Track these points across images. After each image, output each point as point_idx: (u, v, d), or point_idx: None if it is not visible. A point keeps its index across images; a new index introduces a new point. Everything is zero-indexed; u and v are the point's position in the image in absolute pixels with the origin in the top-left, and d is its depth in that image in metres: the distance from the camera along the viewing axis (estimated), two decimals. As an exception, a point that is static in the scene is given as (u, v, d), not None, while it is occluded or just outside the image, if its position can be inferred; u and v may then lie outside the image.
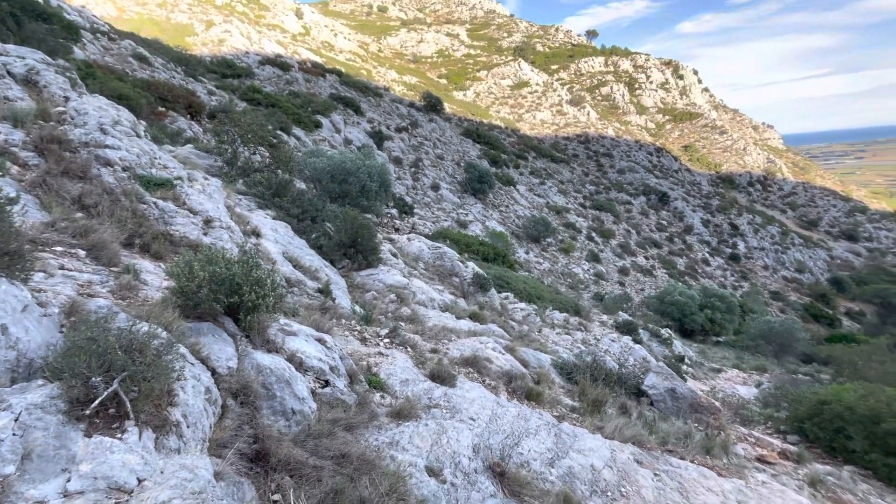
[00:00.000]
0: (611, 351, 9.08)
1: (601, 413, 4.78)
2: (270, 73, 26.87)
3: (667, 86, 70.52)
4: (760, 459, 5.33)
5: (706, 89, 73.12)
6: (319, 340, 3.33)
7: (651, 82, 69.94)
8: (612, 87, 66.67)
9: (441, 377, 3.84)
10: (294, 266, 5.40)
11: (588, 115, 58.26)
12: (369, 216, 11.86)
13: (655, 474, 3.54)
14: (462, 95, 55.91)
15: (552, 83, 61.49)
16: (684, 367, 11.41)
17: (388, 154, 24.69)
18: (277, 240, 5.71)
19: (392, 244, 10.47)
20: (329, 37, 47.48)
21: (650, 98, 67.44)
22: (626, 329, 12.47)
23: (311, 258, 5.96)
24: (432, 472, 2.53)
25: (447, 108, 41.43)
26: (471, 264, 11.55)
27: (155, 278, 3.32)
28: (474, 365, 4.92)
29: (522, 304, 11.68)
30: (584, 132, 53.89)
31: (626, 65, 72.45)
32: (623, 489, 3.01)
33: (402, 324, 5.69)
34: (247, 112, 12.87)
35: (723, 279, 32.53)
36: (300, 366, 2.87)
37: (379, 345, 4.21)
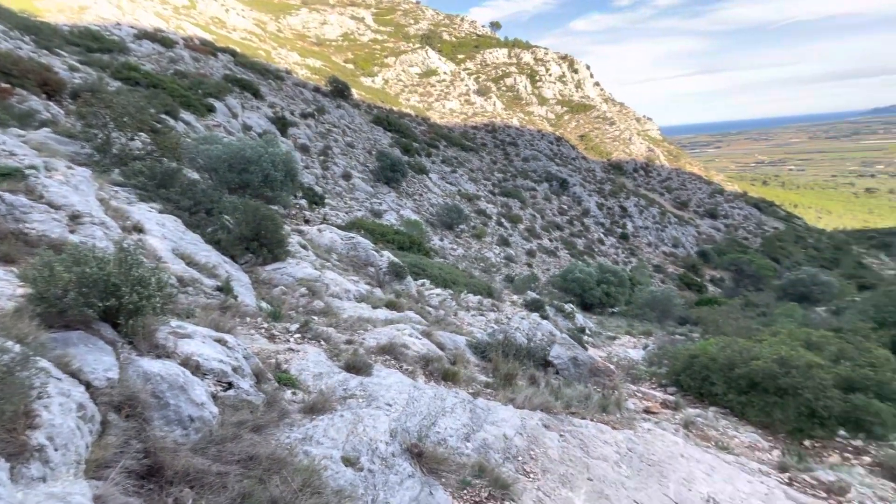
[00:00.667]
0: (521, 328, 9.63)
1: (513, 386, 5.08)
2: (150, 49, 23.74)
3: (564, 79, 75.40)
4: (647, 411, 6.07)
5: (597, 83, 79.56)
6: (219, 341, 3.08)
7: (550, 75, 74.24)
8: (515, 79, 69.55)
9: (357, 367, 3.78)
10: (188, 263, 4.90)
11: (494, 105, 60.31)
12: (275, 207, 11.16)
13: (561, 435, 3.85)
14: (371, 82, 54.53)
15: (459, 73, 62.52)
16: (585, 337, 12.52)
17: (294, 141, 23.34)
18: (166, 235, 5.13)
19: (302, 236, 9.99)
20: (219, 12, 43.18)
21: (550, 90, 71.62)
22: (534, 307, 13.33)
23: (208, 254, 5.46)
24: (349, 461, 2.50)
25: (356, 94, 40.16)
26: (386, 253, 11.46)
27: (6, 286, 2.81)
28: (391, 352, 4.92)
29: (438, 290, 11.90)
30: (492, 122, 55.78)
31: (527, 57, 75.96)
32: (532, 452, 3.24)
33: (315, 317, 5.48)
34: (121, 92, 11.25)
35: (615, 256, 36.10)
36: (197, 369, 2.63)
37: (289, 341, 4.02)
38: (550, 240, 33.56)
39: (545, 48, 78.79)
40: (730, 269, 35.49)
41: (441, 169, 35.87)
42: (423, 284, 11.95)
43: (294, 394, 3.04)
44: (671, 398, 6.57)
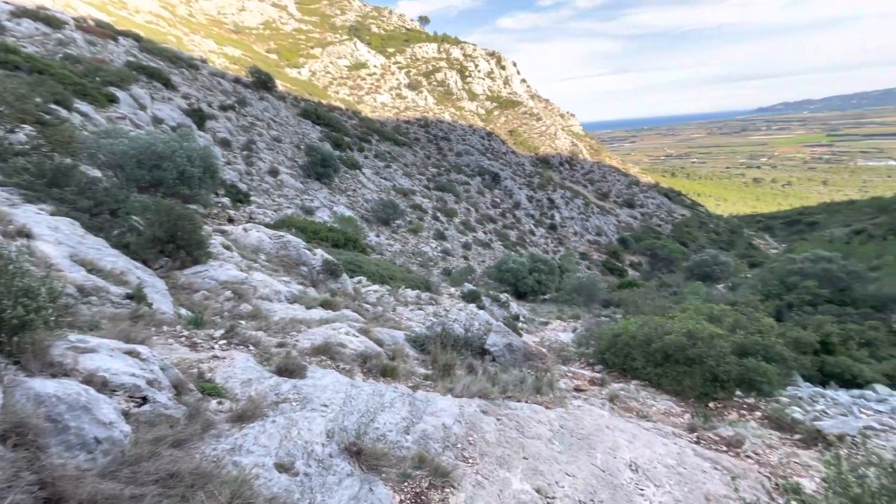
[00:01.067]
0: (458, 319, 9.78)
1: (451, 376, 5.16)
2: (32, 29, 20.77)
3: (492, 75, 77.16)
4: (577, 389, 6.46)
5: (524, 80, 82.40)
6: (131, 353, 2.80)
7: (479, 71, 75.60)
8: (445, 74, 69.98)
9: (289, 370, 3.63)
10: (89, 270, 4.39)
11: (426, 99, 60.30)
12: (194, 207, 10.34)
13: (498, 419, 3.97)
14: (297, 73, 52.10)
15: (390, 66, 61.68)
16: (520, 323, 13.02)
17: (213, 135, 21.72)
18: (60, 240, 4.55)
19: (225, 236, 9.34)
20: (118, -9, 38.82)
21: (479, 86, 72.98)
22: (471, 298, 13.61)
23: (115, 259, 4.92)
24: (283, 467, 2.40)
25: (281, 86, 38.17)
26: (319, 251, 11.07)
27: None
28: (327, 352, 4.78)
29: (376, 286, 11.74)
30: (424, 116, 55.76)
31: (456, 53, 76.71)
32: (471, 438, 3.32)
33: (243, 322, 5.17)
34: (-4, 78, 9.75)
35: (545, 246, 37.84)
36: (104, 386, 2.38)
37: (213, 348, 3.75)
38: (485, 232, 34.39)
39: (474, 44, 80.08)
40: (646, 254, 38.62)
41: (374, 164, 35.31)
42: (359, 282, 11.73)
43: (220, 403, 2.85)
44: (598, 375, 7.04)
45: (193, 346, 3.69)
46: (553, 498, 2.79)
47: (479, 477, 2.86)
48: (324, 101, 44.50)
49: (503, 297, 15.65)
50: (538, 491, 2.84)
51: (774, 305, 12.03)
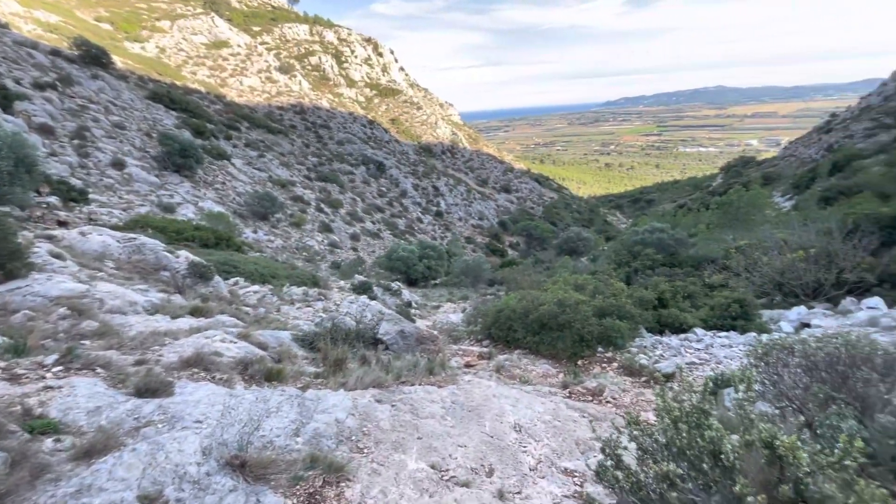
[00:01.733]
0: (350, 312, 9.57)
1: (343, 370, 5.04)
2: None
3: (370, 62, 75.51)
4: (467, 365, 6.81)
5: (402, 68, 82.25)
6: (-85, 399, 2.18)
7: (356, 57, 73.36)
8: (320, 58, 66.51)
9: (152, 389, 3.18)
10: None
11: (300, 84, 56.71)
12: (5, 209, 8.34)
13: (392, 405, 4.01)
14: (140, 49, 44.68)
15: (256, 47, 56.41)
16: (412, 310, 13.21)
17: (28, 120, 17.64)
18: None
19: (54, 243, 7.72)
20: None
21: (357, 72, 70.90)
22: (362, 289, 13.40)
23: None
24: (148, 499, 2.11)
25: (120, 63, 32.43)
26: (184, 253, 9.80)
27: None
28: (199, 364, 4.30)
29: (256, 287, 10.85)
30: (299, 102, 52.43)
31: (330, 36, 73.27)
32: (365, 428, 3.30)
33: (86, 342, 4.37)
34: None
35: (433, 233, 38.81)
36: None
37: (44, 377, 3.11)
38: (373, 222, 33.95)
39: (349, 28, 77.28)
40: (523, 235, 41.99)
41: (246, 153, 32.30)
42: (236, 283, 10.72)
43: (58, 441, 2.38)
44: (486, 350, 7.51)
45: (15, 379, 3.01)
46: (447, 470, 2.93)
47: (375, 465, 2.87)
48: (178, 83, 39.07)
49: (395, 285, 15.70)
50: (433, 467, 2.95)
51: (625, 271, 14.08)
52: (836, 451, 1.57)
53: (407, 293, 15.40)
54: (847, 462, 1.62)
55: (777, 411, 3.53)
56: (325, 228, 27.87)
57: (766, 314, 8.62)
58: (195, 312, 6.90)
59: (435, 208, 44.62)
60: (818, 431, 2.68)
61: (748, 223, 15.05)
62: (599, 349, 6.93)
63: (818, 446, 1.72)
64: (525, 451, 3.33)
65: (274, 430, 3.04)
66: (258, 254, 18.36)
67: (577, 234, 31.23)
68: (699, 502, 1.62)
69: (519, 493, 2.76)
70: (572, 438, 3.56)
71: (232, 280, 10.83)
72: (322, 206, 31.22)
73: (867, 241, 9.00)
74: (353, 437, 3.17)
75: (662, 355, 6.51)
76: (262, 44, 60.02)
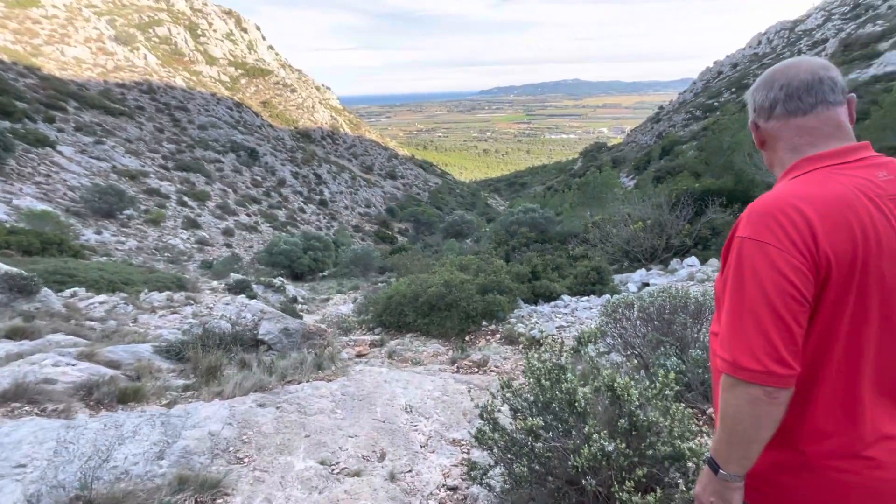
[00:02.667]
0: (227, 314, 8.70)
1: (219, 378, 4.57)
2: None
3: (233, 37, 67.96)
4: (359, 354, 6.70)
5: (271, 47, 75.62)
6: None
7: (215, 31, 65.35)
8: (170, 29, 57.76)
9: (-53, 437, 2.50)
10: None
11: (146, 59, 48.70)
12: None
13: (277, 407, 3.77)
14: None
15: (80, 10, 46.69)
16: (299, 305, 12.53)
17: None
18: None
19: None
20: None
21: (218, 48, 63.28)
22: (240, 289, 12.27)
23: None
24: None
25: None
26: (-8, 263, 7.83)
27: None
28: (23, 396, 3.52)
29: (102, 297, 9.21)
30: (146, 80, 45.07)
31: (181, 4, 64.00)
32: (245, 436, 3.05)
33: None
34: None
35: (318, 223, 37.04)
36: None
37: None
38: (248, 215, 31.10)
39: (202, -2, 68.20)
40: (410, 221, 42.41)
41: (78, 139, 26.91)
42: (74, 295, 8.97)
43: None
44: (377, 337, 7.47)
45: None
46: (337, 463, 2.86)
47: (258, 472, 2.67)
48: (-35, 49, 30.62)
49: (277, 281, 14.69)
50: (322, 462, 2.86)
51: (504, 250, 15.14)
52: (657, 384, 1.89)
53: (292, 288, 14.54)
54: (666, 392, 1.96)
55: (625, 358, 4.16)
56: (192, 224, 24.72)
57: (618, 278, 10.05)
58: (14, 335, 5.62)
59: (318, 197, 42.55)
60: (651, 370, 3.23)
61: (602, 201, 17.26)
62: (484, 323, 7.38)
63: (647, 383, 2.06)
64: (416, 430, 3.41)
65: (130, 457, 2.63)
66: (105, 258, 15.56)
67: (461, 218, 32.57)
68: (559, 447, 1.81)
69: (410, 471, 2.83)
70: (460, 410, 3.74)
71: (68, 292, 9.04)
72: (185, 199, 27.55)
73: (686, 212, 11.00)
74: (231, 448, 2.90)
75: (537, 322, 7.19)
76: (89, 7, 49.83)
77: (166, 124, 39.76)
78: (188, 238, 23.17)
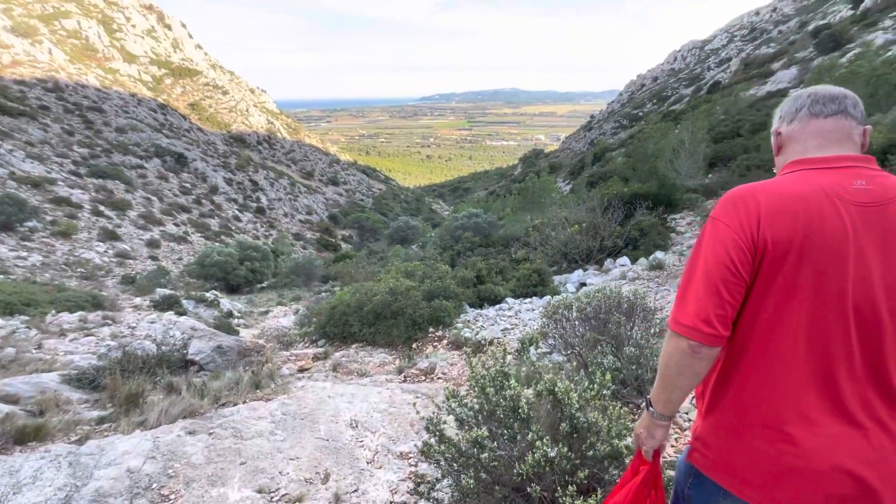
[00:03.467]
0: (152, 334, 7.99)
1: (141, 406, 4.15)
2: None
3: (155, 34, 63.15)
4: (301, 369, 6.41)
5: (199, 46, 71.08)
6: None
7: (134, 27, 60.39)
8: (79, 22, 52.55)
9: None
10: None
11: (51, 53, 43.91)
12: None
13: (210, 433, 3.49)
14: None
15: (-34, -4, 41.21)
16: (235, 320, 11.78)
17: None
18: None
19: None
20: None
21: (139, 46, 58.49)
22: (167, 305, 11.31)
23: None
24: None
25: None
26: None
27: None
28: None
29: (-2, 321, 8.07)
30: (52, 77, 40.61)
31: (93, -3, 58.50)
32: (171, 470, 2.77)
33: None
34: None
35: (255, 231, 35.21)
36: None
37: None
38: (177, 224, 28.89)
39: (118, -10, 62.76)
40: (354, 227, 41.55)
41: (-36, 143, 23.69)
42: (-39, 320, 7.79)
43: None
44: (321, 350, 7.18)
45: None
46: (277, 490, 2.68)
47: (186, 510, 2.44)
48: None
49: (210, 295, 13.73)
50: (260, 491, 2.67)
51: (449, 254, 15.23)
52: (595, 386, 1.95)
53: (227, 302, 13.65)
54: (604, 392, 2.03)
55: (566, 358, 4.30)
56: (110, 236, 22.49)
57: (558, 279, 10.45)
58: None
59: (255, 204, 40.47)
60: (590, 369, 3.36)
61: (541, 205, 17.92)
62: (431, 329, 7.34)
63: (587, 383, 2.12)
64: (362, 446, 3.29)
65: (28, 508, 2.29)
66: (1, 277, 13.72)
67: (406, 223, 32.40)
68: (504, 455, 1.81)
69: (356, 490, 2.72)
70: (407, 421, 3.67)
71: (-48, 317, 7.83)
72: (102, 208, 25.05)
73: (617, 215, 11.69)
74: (155, 485, 2.63)
75: (483, 326, 7.27)
76: (-24, -7, 44.07)
77: (77, 126, 36.00)
78: (106, 251, 21.05)
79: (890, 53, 19.15)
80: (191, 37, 69.85)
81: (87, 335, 8.66)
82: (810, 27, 37.79)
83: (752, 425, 1.02)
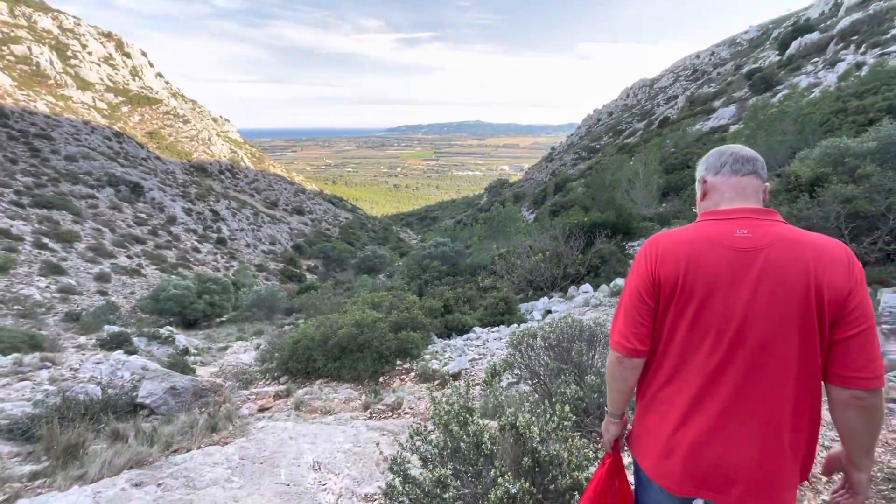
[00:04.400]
0: (97, 376, 7.44)
1: (81, 458, 3.83)
2: None
3: (113, 62, 61.64)
4: (262, 409, 6.12)
5: (160, 74, 69.81)
6: None
7: (91, 54, 58.81)
8: (30, 48, 50.64)
9: None
10: None
11: (-4, 79, 41.87)
12: None
13: (159, 485, 3.26)
14: None
15: None
16: (191, 358, 11.18)
17: None
18: None
19: None
20: None
21: (95, 73, 56.80)
22: (116, 343, 10.61)
23: None
24: None
25: None
26: None
27: None
28: None
29: (-83, 367, 7.30)
30: (-5, 103, 38.57)
31: (47, 23, 56.83)
32: (114, 529, 2.56)
33: None
34: None
35: (215, 263, 33.91)
36: None
37: None
38: (130, 256, 27.46)
39: (77, 17, 61.35)
40: (320, 257, 40.82)
41: None
42: None
43: None
44: (283, 387, 6.90)
45: None
46: (232, 544, 2.52)
47: (129, 573, 2.24)
48: None
49: (165, 331, 13.00)
50: (214, 546, 2.50)
51: (417, 284, 15.19)
52: (555, 418, 1.99)
53: (183, 339, 12.96)
54: (565, 423, 2.08)
55: (531, 388, 4.34)
56: (53, 270, 21.06)
57: (524, 306, 10.60)
58: None
59: (215, 235, 39.16)
60: (553, 399, 3.41)
61: (506, 234, 18.31)
62: (398, 362, 7.23)
63: (548, 415, 2.16)
64: (325, 489, 3.16)
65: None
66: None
67: (373, 253, 32.17)
68: (468, 493, 1.80)
69: (318, 538, 2.59)
70: (373, 461, 3.56)
71: None
72: (45, 240, 23.52)
73: (578, 243, 12.12)
74: (94, 548, 2.41)
75: (451, 357, 7.23)
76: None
77: (22, 154, 34.09)
78: (48, 286, 19.64)
79: (813, 95, 21.31)
80: (151, 65, 68.62)
81: (22, 380, 7.97)
82: (744, 70, 41.56)
83: (648, 413, 1.32)
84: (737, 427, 1.18)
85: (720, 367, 1.20)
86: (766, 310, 1.15)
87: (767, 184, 1.35)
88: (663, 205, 18.25)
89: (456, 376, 6.16)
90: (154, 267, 27.40)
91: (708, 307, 1.20)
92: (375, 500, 2.97)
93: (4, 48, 48.32)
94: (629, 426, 1.48)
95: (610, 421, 1.47)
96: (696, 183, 1.44)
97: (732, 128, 25.16)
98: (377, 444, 3.26)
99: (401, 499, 2.00)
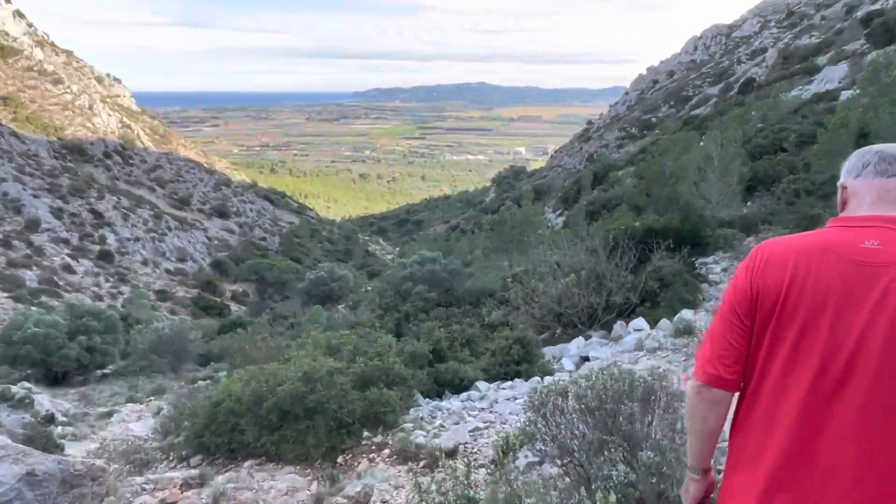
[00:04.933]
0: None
1: None
2: None
3: (-53, -3, 61.94)
4: (164, 503, 6.06)
5: (20, 13, 70.10)
6: None
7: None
8: None
9: None
10: None
11: None
12: None
13: None
14: None
15: None
16: (59, 429, 11.14)
17: None
18: None
19: None
20: None
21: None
22: (-54, 407, 10.49)
23: None
24: None
25: None
26: None
27: None
28: None
29: None
30: None
31: None
32: None
33: None
34: None
35: (97, 289, 33.80)
36: None
37: None
38: (-32, 279, 27.25)
39: None
40: (252, 280, 40.73)
41: None
42: None
43: None
44: (195, 472, 6.86)
45: None
46: None
47: None
48: None
49: (19, 388, 12.95)
50: None
51: (394, 318, 15.22)
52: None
53: (46, 400, 12.93)
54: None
55: (561, 470, 4.35)
56: None
57: (549, 351, 10.65)
58: None
59: (98, 247, 39.07)
60: (593, 486, 3.43)
61: (523, 245, 18.48)
62: (365, 434, 7.20)
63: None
64: None
65: None
66: None
67: (329, 273, 32.20)
68: None
69: None
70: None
71: None
72: None
73: (627, 259, 12.26)
74: None
75: (443, 425, 7.23)
76: None
77: None
78: None
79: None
80: (9, 1, 69.04)
81: None
82: (859, 13, 42.84)
83: (735, 469, 1.44)
84: (847, 489, 1.25)
85: (823, 411, 1.29)
86: (885, 341, 1.25)
87: None
88: (748, 204, 18.54)
89: (451, 454, 6.16)
90: (5, 294, 27.24)
91: (813, 332, 1.31)
92: None
93: None
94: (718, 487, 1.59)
95: (690, 478, 1.59)
96: (838, 189, 1.60)
97: (844, 94, 25.81)
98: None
99: None
